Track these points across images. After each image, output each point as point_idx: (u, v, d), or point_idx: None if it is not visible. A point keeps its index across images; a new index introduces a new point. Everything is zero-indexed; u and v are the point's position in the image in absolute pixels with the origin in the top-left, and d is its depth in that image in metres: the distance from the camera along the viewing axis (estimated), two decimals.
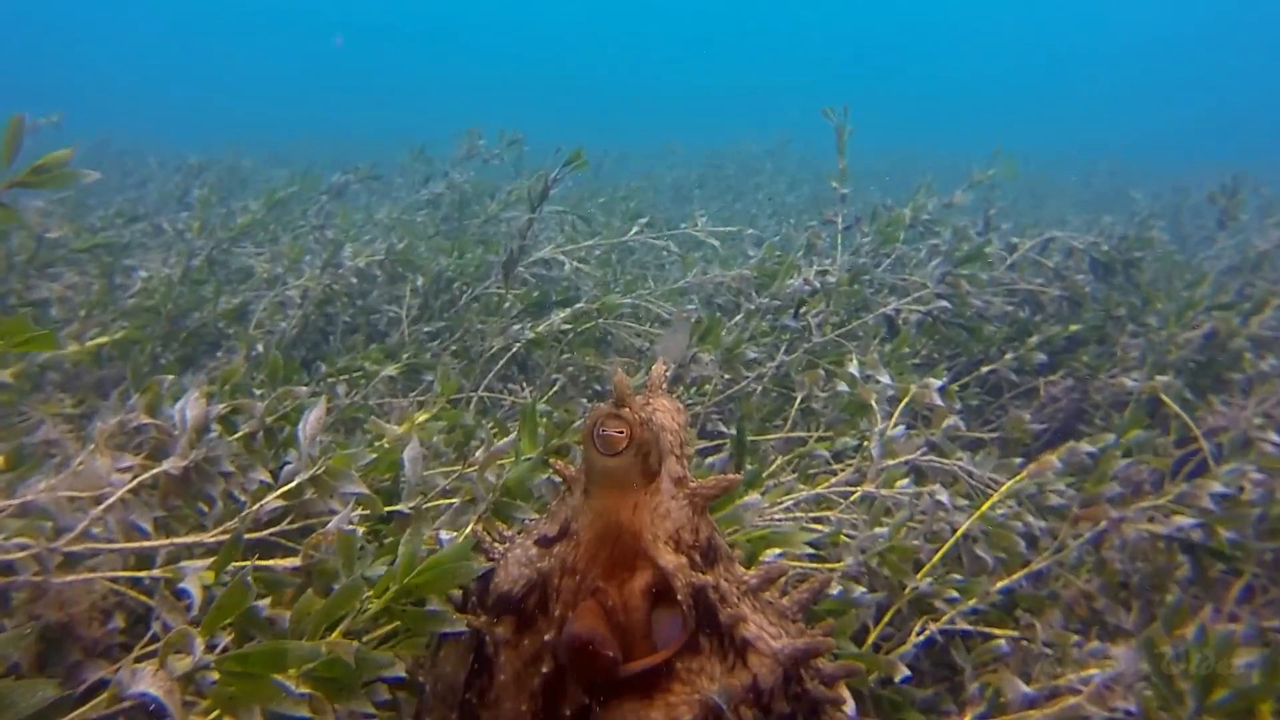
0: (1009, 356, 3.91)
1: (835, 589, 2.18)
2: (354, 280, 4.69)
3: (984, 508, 2.51)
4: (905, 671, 2.03)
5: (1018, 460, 2.80)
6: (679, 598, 1.47)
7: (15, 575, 1.70)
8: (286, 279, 4.87)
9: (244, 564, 1.74)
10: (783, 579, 1.71)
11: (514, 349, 3.97)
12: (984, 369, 3.92)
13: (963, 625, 2.27)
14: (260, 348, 4.17)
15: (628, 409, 1.49)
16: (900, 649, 2.16)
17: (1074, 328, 4.08)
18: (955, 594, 2.28)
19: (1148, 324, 4.27)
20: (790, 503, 2.53)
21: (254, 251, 5.53)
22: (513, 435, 2.16)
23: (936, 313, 4.04)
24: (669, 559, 1.48)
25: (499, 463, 2.09)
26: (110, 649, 1.77)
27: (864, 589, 2.22)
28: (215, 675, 1.35)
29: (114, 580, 1.76)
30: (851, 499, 2.60)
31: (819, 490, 2.61)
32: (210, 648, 1.41)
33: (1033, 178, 14.11)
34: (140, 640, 1.71)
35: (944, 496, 2.50)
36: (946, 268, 4.14)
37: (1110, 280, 4.70)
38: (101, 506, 1.79)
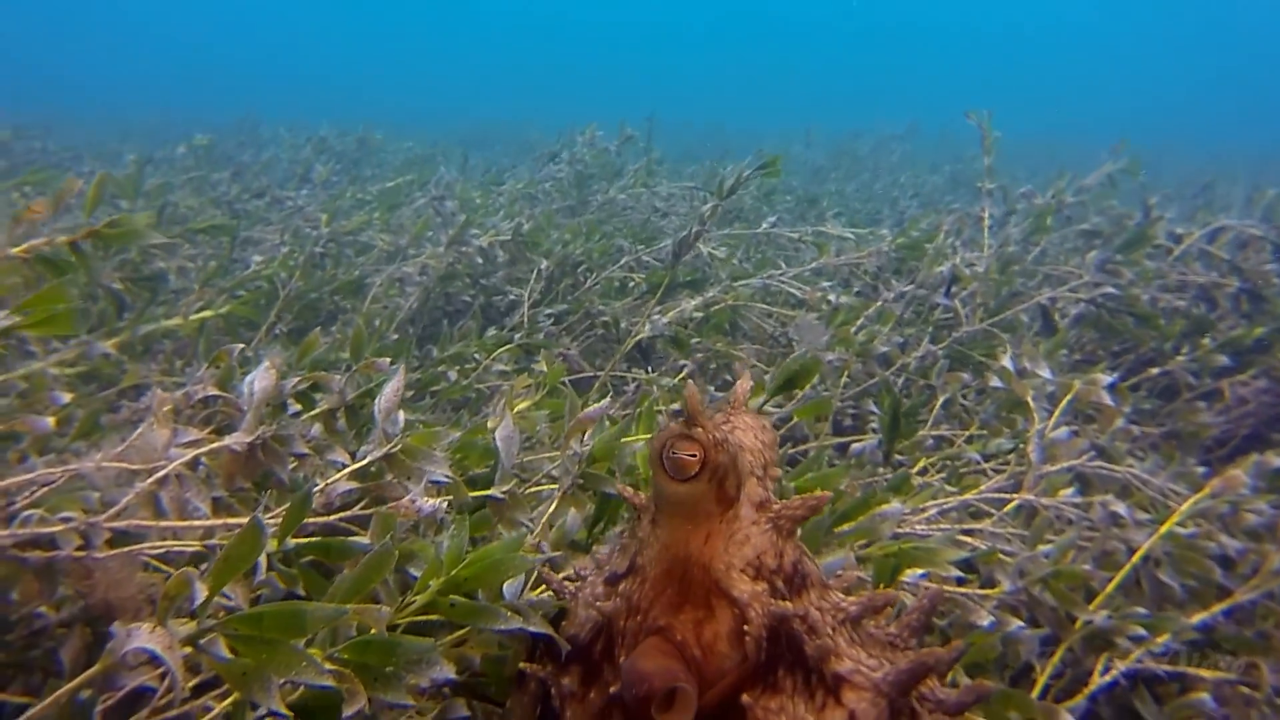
0: (1183, 355, 3.47)
1: (987, 620, 1.84)
2: (478, 260, 4.51)
3: (1168, 524, 2.14)
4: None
5: (1200, 471, 2.44)
6: (749, 629, 1.26)
7: (58, 550, 1.51)
8: (407, 253, 4.72)
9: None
10: (890, 608, 1.42)
11: (640, 335, 3.71)
12: (1154, 370, 3.48)
13: (1151, 667, 1.90)
14: (378, 322, 4.03)
15: (701, 428, 1.29)
16: (1072, 699, 1.81)
17: (1259, 331, 3.59)
18: (1141, 630, 1.92)
19: None
20: (935, 511, 2.20)
21: (377, 231, 5.40)
22: (604, 402, 1.90)
23: (1101, 300, 3.64)
24: (744, 587, 1.28)
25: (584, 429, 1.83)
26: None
27: (1022, 622, 1.89)
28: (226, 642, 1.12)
29: (165, 561, 1.56)
30: (1006, 509, 2.26)
31: (968, 497, 2.28)
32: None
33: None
34: None
35: (1121, 508, 2.14)
36: (1106, 254, 3.73)
37: None
38: (151, 480, 1.58)
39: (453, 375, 3.34)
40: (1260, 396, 3.35)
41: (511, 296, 4.43)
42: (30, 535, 1.49)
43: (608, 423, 1.95)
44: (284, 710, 1.13)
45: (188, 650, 1.15)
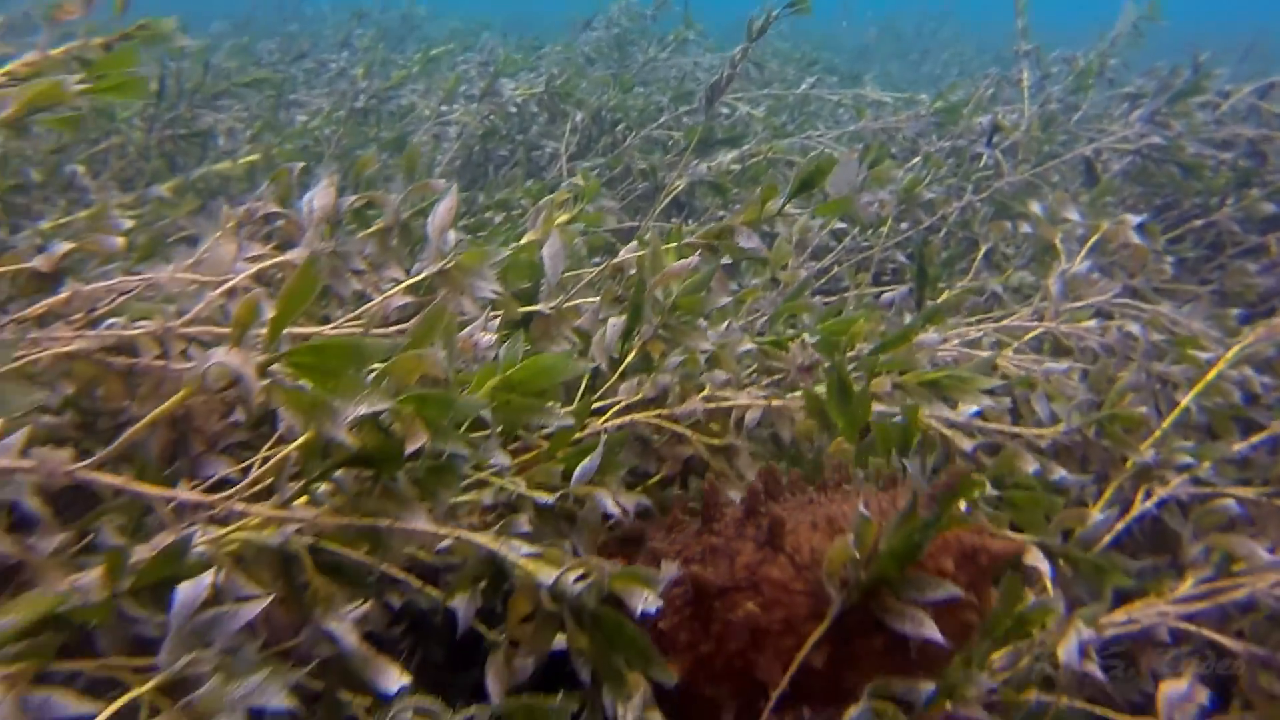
0: (1229, 205, 3.45)
1: (1032, 465, 1.90)
2: (513, 111, 4.54)
3: (1214, 372, 2.18)
4: (1097, 516, 1.78)
5: (1235, 313, 2.47)
6: None
7: (139, 357, 1.59)
8: (444, 110, 4.76)
9: None
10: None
11: (679, 186, 3.74)
12: (1198, 222, 3.48)
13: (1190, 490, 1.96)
14: (419, 173, 4.09)
15: None
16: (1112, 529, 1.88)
17: None
18: (1188, 459, 1.98)
19: None
20: (958, 341, 2.25)
21: (415, 89, 5.43)
22: (692, 259, 1.94)
23: (1146, 151, 3.63)
24: None
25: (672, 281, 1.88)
26: (231, 446, 1.65)
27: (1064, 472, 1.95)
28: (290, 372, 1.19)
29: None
30: (1027, 337, 2.31)
31: (991, 327, 2.34)
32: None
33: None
34: (267, 441, 1.56)
35: (1135, 327, 2.19)
36: (1155, 105, 3.71)
37: None
38: (220, 290, 1.65)
39: (498, 219, 3.40)
40: None
41: (549, 149, 4.47)
42: (114, 340, 1.57)
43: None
44: (350, 440, 1.20)
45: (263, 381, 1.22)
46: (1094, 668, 1.47)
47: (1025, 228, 2.84)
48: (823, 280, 3.20)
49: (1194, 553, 1.77)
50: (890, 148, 4.26)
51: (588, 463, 1.53)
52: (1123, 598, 1.74)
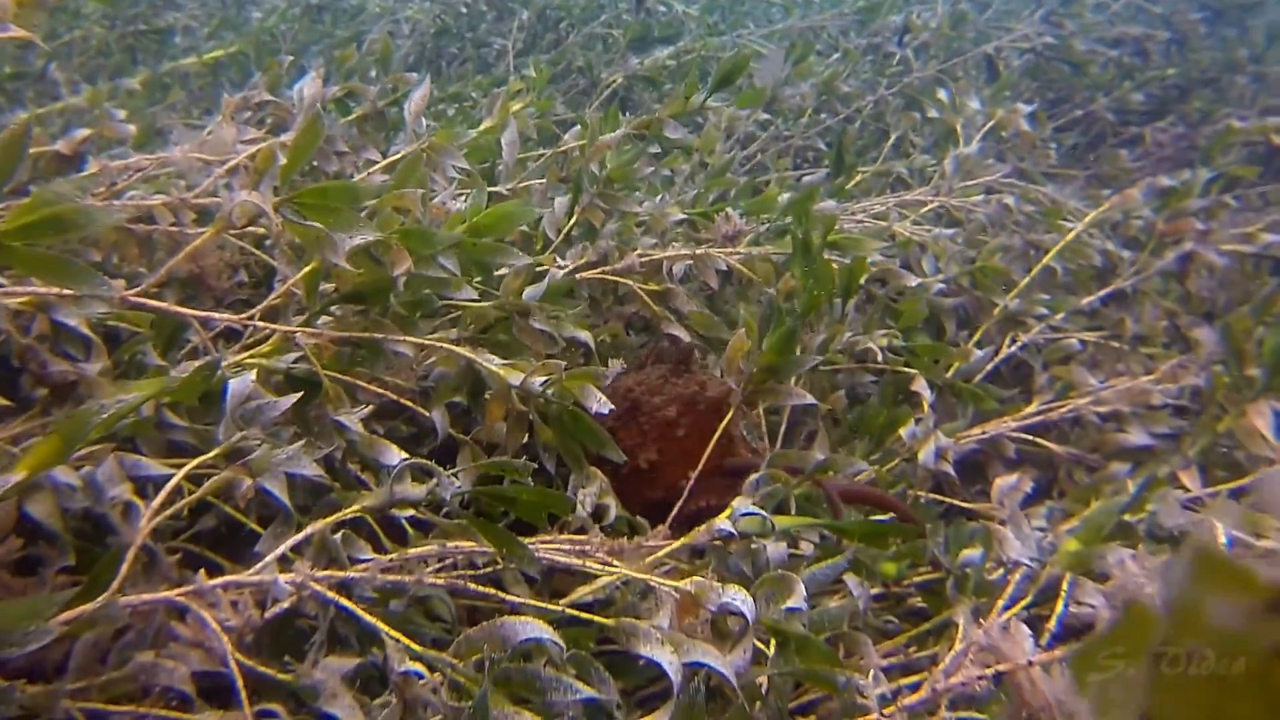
0: (1104, 98, 3.83)
1: (914, 281, 2.27)
2: (463, 11, 4.77)
3: (1071, 235, 2.55)
4: (978, 354, 2.15)
5: (1106, 193, 2.83)
6: None
7: (155, 225, 1.87)
8: (397, 10, 4.96)
9: None
10: None
11: (616, 82, 4.03)
12: (1079, 113, 3.85)
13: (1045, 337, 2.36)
14: (374, 72, 4.30)
15: None
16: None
17: (1171, 71, 3.99)
18: (1043, 310, 2.36)
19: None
20: (863, 215, 2.60)
21: None
22: (619, 131, 2.24)
23: (1041, 50, 3.97)
24: None
25: (602, 155, 2.18)
26: (235, 302, 1.95)
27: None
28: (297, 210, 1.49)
29: (239, 237, 1.93)
30: (923, 210, 2.66)
31: (890, 200, 2.69)
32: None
33: None
34: (263, 294, 1.86)
35: (1010, 199, 2.55)
36: (1050, 6, 4.04)
37: (1221, 30, 4.52)
38: (225, 167, 1.94)
39: (451, 111, 3.66)
40: (1176, 141, 3.74)
41: (497, 47, 4.69)
42: (133, 210, 1.86)
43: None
44: (348, 267, 1.50)
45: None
46: (947, 467, 1.85)
47: (932, 113, 3.18)
48: (748, 166, 3.51)
49: (1041, 382, 2.16)
50: (815, 44, 4.56)
51: (533, 289, 1.81)
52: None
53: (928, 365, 2.18)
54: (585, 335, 1.88)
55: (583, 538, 1.44)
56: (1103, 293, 2.48)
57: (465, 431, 1.75)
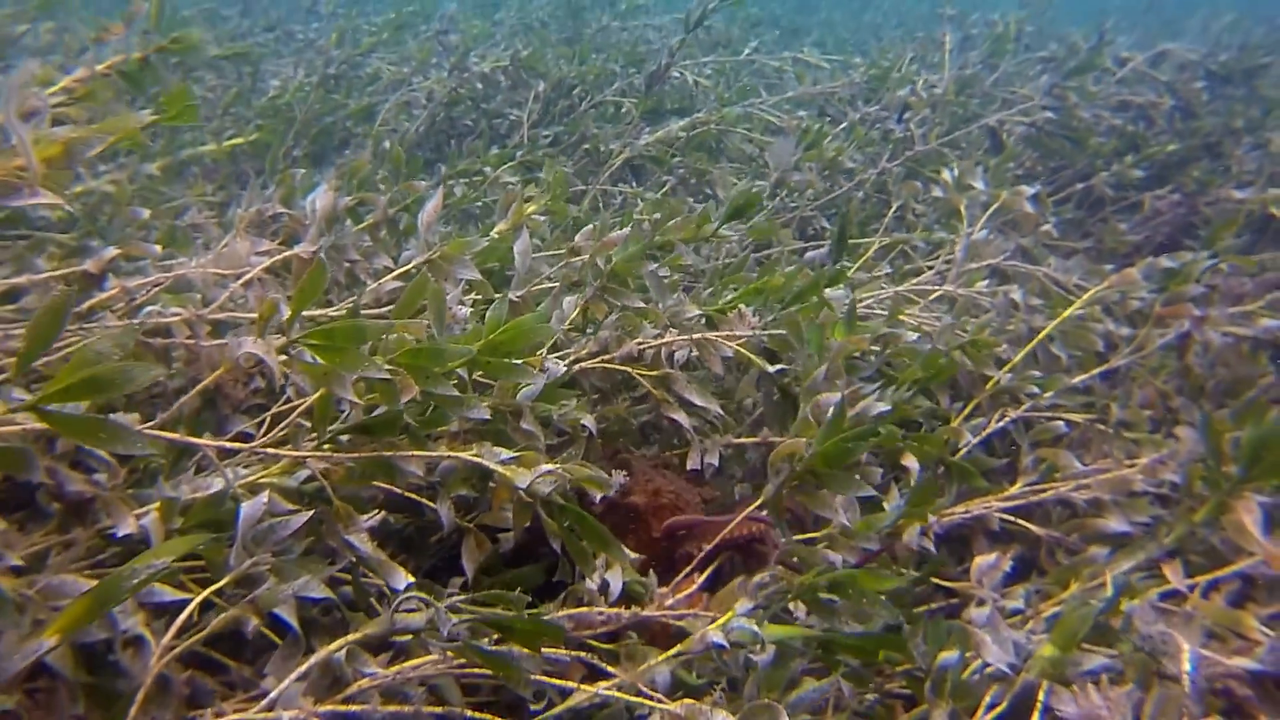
0: (1105, 172, 3.90)
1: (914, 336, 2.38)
2: (479, 85, 4.86)
3: (1067, 313, 2.60)
4: (968, 437, 2.21)
5: (1109, 267, 2.88)
6: None
7: (171, 338, 1.95)
8: (413, 80, 5.06)
9: None
10: None
11: (623, 156, 4.12)
12: (1079, 185, 3.91)
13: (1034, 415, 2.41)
14: (387, 144, 4.40)
15: None
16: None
17: (1171, 147, 4.03)
18: (1035, 387, 2.42)
19: (1268, 137, 4.18)
20: (872, 300, 2.66)
21: (382, 57, 5.69)
22: (627, 229, 2.31)
23: (1041, 124, 4.04)
24: None
25: (609, 250, 2.25)
26: (252, 408, 2.02)
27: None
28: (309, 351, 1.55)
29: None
30: (931, 297, 2.72)
31: (900, 289, 2.74)
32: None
33: None
34: (278, 401, 1.94)
35: (1017, 294, 2.61)
36: (1055, 79, 4.11)
37: (1228, 91, 4.57)
38: (239, 281, 2.02)
39: (459, 190, 3.74)
40: (1174, 208, 3.80)
41: (511, 118, 4.77)
42: (151, 325, 1.93)
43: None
44: (355, 399, 1.57)
45: (282, 360, 1.59)
46: (929, 544, 1.91)
47: (937, 192, 3.25)
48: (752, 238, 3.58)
49: (1026, 462, 2.21)
50: (825, 120, 4.66)
51: (528, 390, 1.88)
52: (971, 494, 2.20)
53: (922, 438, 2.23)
54: (588, 420, 1.96)
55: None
56: (1096, 371, 2.53)
57: (470, 512, 1.82)
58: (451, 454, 1.66)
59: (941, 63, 4.63)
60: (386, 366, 1.58)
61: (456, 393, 1.66)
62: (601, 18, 6.43)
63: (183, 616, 1.31)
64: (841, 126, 4.16)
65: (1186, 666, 1.36)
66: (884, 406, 2.08)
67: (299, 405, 1.68)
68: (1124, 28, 4.75)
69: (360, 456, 1.63)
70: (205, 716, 1.20)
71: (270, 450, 1.62)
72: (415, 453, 1.65)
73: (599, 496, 1.70)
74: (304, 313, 2.00)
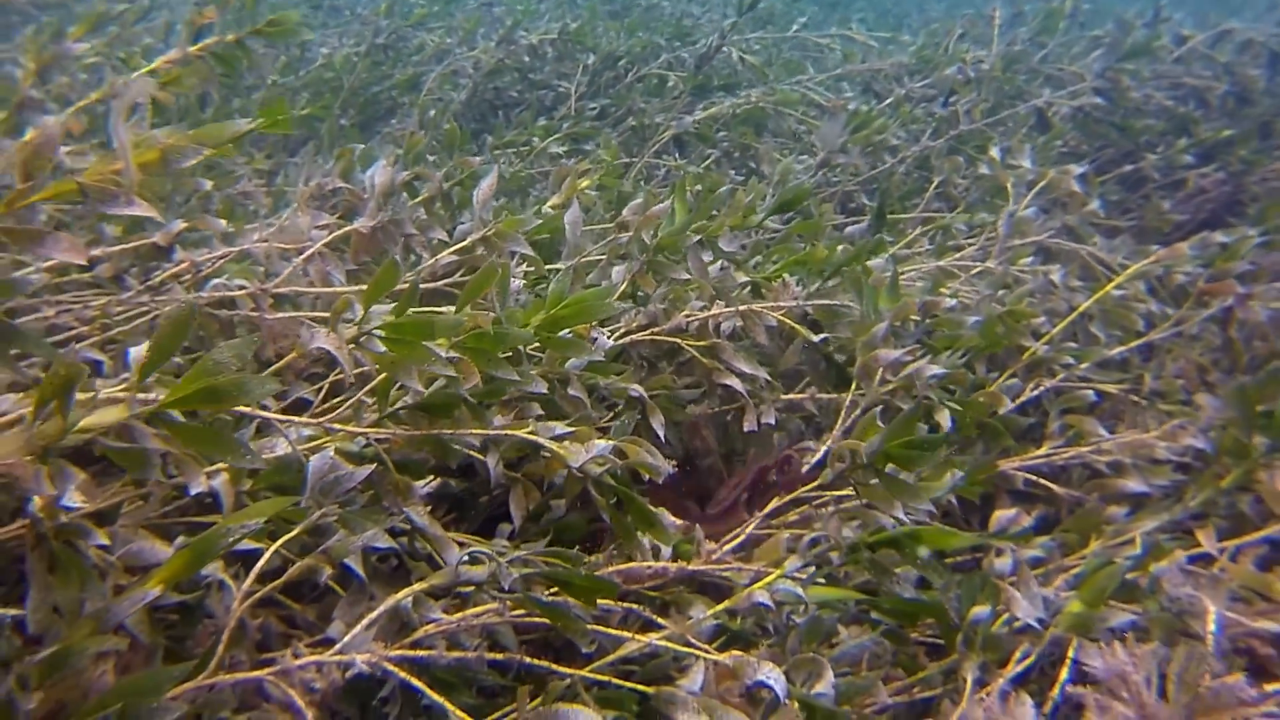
0: (1153, 156, 3.90)
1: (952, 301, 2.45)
2: (525, 58, 4.92)
3: (1106, 288, 2.65)
4: (1007, 402, 2.29)
5: (1155, 247, 2.91)
6: None
7: (236, 310, 2.04)
8: (457, 50, 5.13)
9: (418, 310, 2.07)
10: None
11: (664, 137, 4.19)
12: (1127, 168, 3.92)
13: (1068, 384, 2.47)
14: (432, 113, 4.48)
15: None
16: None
17: (1226, 133, 4.00)
18: (1070, 359, 2.47)
19: None
20: (914, 273, 2.72)
21: (430, 29, 5.76)
22: (666, 203, 2.38)
23: (1089, 109, 4.05)
24: None
25: (654, 225, 2.32)
26: (313, 376, 2.10)
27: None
28: (379, 342, 1.63)
29: (314, 319, 2.08)
30: (973, 272, 2.77)
31: (942, 262, 2.79)
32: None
33: None
34: (336, 369, 2.01)
35: (1057, 274, 2.66)
36: (1109, 61, 4.11)
37: None
38: (302, 257, 2.10)
39: (503, 165, 3.80)
40: (1219, 186, 3.81)
41: (559, 89, 4.83)
42: (217, 297, 2.02)
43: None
44: (420, 387, 1.65)
45: (352, 346, 1.67)
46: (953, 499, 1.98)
47: (983, 169, 3.29)
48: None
49: (1053, 427, 2.28)
50: (873, 87, 4.69)
51: (575, 361, 1.95)
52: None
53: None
54: (637, 389, 2.04)
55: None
56: (1135, 344, 2.58)
57: (519, 462, 1.89)
58: (508, 432, 1.72)
59: (990, 38, 4.63)
60: (450, 354, 1.64)
61: (516, 375, 1.72)
62: None
63: (259, 564, 1.39)
64: (886, 102, 4.20)
65: (1211, 627, 1.42)
66: (937, 369, 2.17)
67: (357, 377, 1.75)
68: (1184, 3, 4.70)
69: (419, 435, 1.70)
70: (285, 657, 1.28)
71: (334, 425, 1.69)
72: (473, 431, 1.72)
73: None
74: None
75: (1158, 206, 3.56)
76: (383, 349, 1.63)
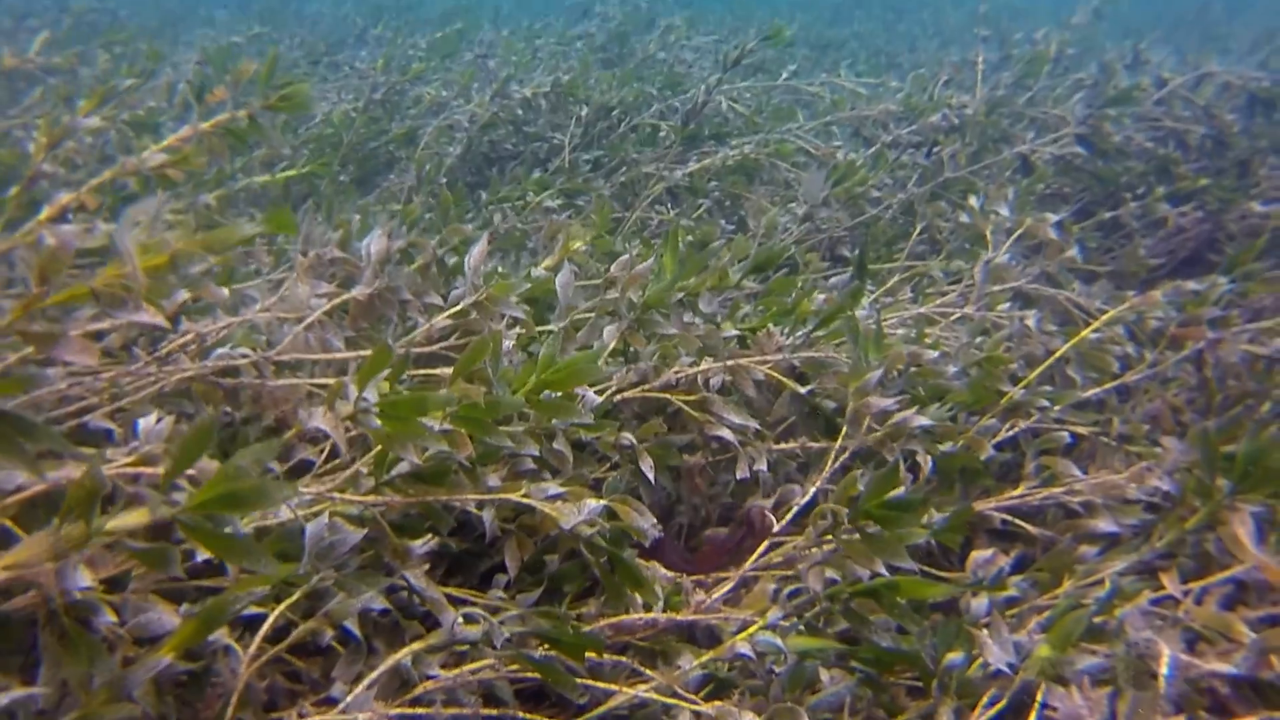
0: (1133, 205, 4.00)
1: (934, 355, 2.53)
2: (519, 110, 5.04)
3: (1083, 334, 2.73)
4: (990, 450, 2.36)
5: (1132, 293, 2.99)
6: None
7: (240, 378, 2.12)
8: (453, 104, 5.25)
9: (415, 373, 2.15)
10: None
11: (656, 190, 4.30)
12: (1106, 214, 4.01)
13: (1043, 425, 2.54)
14: (428, 168, 4.59)
15: None
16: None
17: (1203, 182, 4.08)
18: (1046, 402, 2.55)
19: None
20: (895, 320, 2.81)
21: (427, 81, 5.88)
22: (651, 260, 2.46)
23: (1070, 157, 4.15)
24: None
25: (640, 283, 2.40)
26: (316, 438, 2.18)
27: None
28: (375, 419, 1.70)
29: (315, 386, 2.17)
30: (952, 319, 2.86)
31: (923, 309, 2.89)
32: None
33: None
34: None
35: (1032, 321, 2.75)
36: (1090, 110, 4.22)
37: (1270, 117, 4.57)
38: (302, 325, 2.19)
39: (498, 219, 3.91)
40: (1197, 224, 3.91)
41: (555, 140, 4.92)
42: (221, 366, 2.11)
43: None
44: (417, 459, 1.72)
45: (348, 424, 1.75)
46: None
47: (963, 217, 3.39)
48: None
49: (1029, 468, 2.37)
50: (861, 133, 4.81)
51: (565, 420, 1.99)
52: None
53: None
54: (629, 438, 2.13)
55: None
56: (1110, 385, 2.66)
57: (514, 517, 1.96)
58: (503, 496, 1.79)
59: (974, 83, 4.75)
60: (444, 426, 1.72)
61: (509, 441, 1.79)
62: (649, 45, 6.58)
63: (264, 629, 1.47)
64: (873, 150, 4.30)
65: (1164, 669, 1.49)
66: (925, 421, 2.26)
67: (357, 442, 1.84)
68: (1170, 39, 4.81)
69: (415, 501, 1.78)
70: (291, 718, 1.36)
71: (333, 494, 1.76)
72: (468, 496, 1.80)
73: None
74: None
75: (1135, 253, 3.66)
76: (378, 424, 1.69)
